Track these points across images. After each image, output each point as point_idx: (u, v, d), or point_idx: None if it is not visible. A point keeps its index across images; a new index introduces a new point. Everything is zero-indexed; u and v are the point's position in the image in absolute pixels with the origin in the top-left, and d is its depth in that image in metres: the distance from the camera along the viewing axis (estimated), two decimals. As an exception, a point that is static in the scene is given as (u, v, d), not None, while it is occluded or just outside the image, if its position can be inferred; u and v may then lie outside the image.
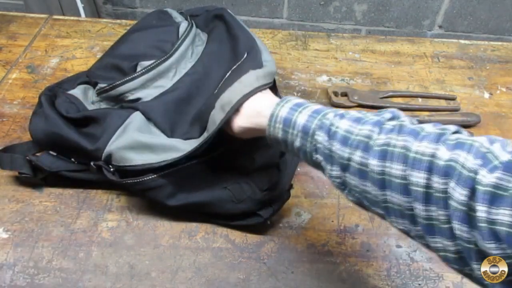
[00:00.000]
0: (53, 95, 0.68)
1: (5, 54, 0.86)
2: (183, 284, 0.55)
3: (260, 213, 0.59)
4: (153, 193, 0.57)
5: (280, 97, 0.51)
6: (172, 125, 0.63)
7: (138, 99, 0.65)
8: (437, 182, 0.34)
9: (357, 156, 0.40)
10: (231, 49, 0.67)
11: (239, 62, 0.60)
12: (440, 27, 1.55)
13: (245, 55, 0.61)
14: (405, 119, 0.42)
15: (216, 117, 0.53)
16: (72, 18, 0.96)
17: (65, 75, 0.80)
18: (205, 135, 0.55)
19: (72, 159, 0.63)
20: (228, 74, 0.59)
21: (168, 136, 0.62)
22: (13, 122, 0.73)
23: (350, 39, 0.94)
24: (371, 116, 0.43)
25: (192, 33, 0.72)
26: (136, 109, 0.62)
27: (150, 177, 0.56)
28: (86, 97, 0.67)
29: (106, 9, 1.54)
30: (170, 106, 0.64)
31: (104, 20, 0.97)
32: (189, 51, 0.71)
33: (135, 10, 1.58)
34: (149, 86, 0.66)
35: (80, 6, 1.43)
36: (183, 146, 0.58)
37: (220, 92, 0.55)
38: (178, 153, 0.56)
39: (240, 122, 0.50)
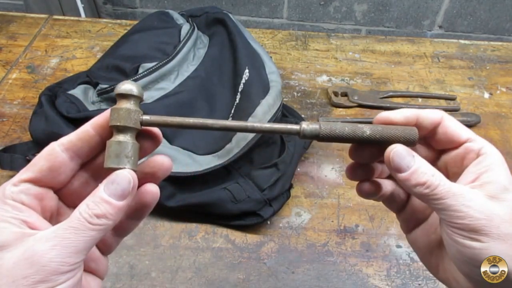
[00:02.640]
0: (53, 95, 0.68)
1: (5, 54, 0.86)
2: (183, 284, 0.55)
3: (260, 213, 0.59)
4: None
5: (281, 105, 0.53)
6: (173, 130, 0.63)
7: (139, 101, 0.65)
8: None
9: None
10: (232, 58, 0.68)
11: (243, 80, 0.61)
12: (440, 27, 1.55)
13: (247, 71, 0.62)
14: None
15: (232, 150, 0.57)
16: (72, 18, 0.96)
17: (65, 75, 0.80)
18: (215, 160, 0.58)
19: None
20: (238, 98, 0.61)
21: (168, 140, 0.62)
22: (13, 122, 0.73)
23: (350, 39, 0.94)
24: None
25: (194, 36, 0.72)
26: None
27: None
28: (86, 97, 0.67)
29: (106, 9, 1.54)
30: (172, 109, 0.64)
31: (104, 20, 0.97)
32: (191, 54, 0.71)
33: (135, 10, 1.58)
34: (151, 88, 0.66)
35: (80, 6, 1.43)
36: (184, 160, 0.59)
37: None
38: (178, 165, 0.58)
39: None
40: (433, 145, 0.35)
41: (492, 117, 0.79)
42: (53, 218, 0.31)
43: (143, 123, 0.30)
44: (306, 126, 0.31)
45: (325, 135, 0.31)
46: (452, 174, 0.34)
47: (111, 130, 0.30)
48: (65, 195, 0.32)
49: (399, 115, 0.33)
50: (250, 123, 0.31)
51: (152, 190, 0.32)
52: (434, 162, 0.35)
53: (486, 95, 0.83)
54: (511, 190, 0.30)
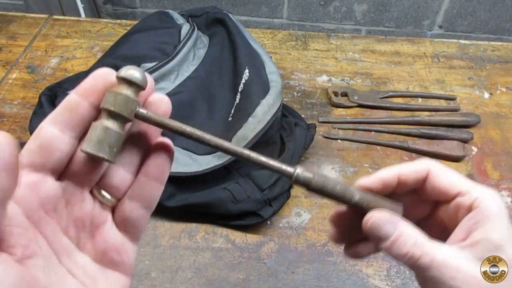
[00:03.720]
0: (53, 95, 0.68)
1: (5, 54, 0.86)
2: (183, 284, 0.55)
3: (260, 213, 0.59)
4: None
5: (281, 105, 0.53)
6: None
7: (139, 101, 0.65)
8: None
9: None
10: (232, 58, 0.68)
11: (243, 80, 0.62)
12: (440, 27, 1.55)
13: (247, 71, 0.62)
14: None
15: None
16: (72, 18, 0.96)
17: (65, 75, 0.80)
18: (215, 160, 0.58)
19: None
20: (238, 98, 0.61)
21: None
22: (13, 122, 0.73)
23: (350, 39, 0.94)
24: None
25: (194, 36, 0.73)
26: None
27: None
28: (86, 97, 0.67)
29: (106, 9, 1.54)
30: (172, 110, 0.64)
31: (104, 20, 0.97)
32: (191, 54, 0.71)
33: (135, 10, 1.58)
34: None
35: (80, 6, 1.43)
36: (184, 160, 0.59)
37: (234, 123, 0.59)
38: (178, 165, 0.58)
39: None
40: (425, 199, 0.32)
41: (492, 117, 0.79)
42: (58, 210, 0.26)
43: (137, 116, 0.27)
44: (300, 172, 0.29)
45: (315, 187, 0.30)
46: (449, 229, 0.31)
47: (99, 107, 0.27)
48: (75, 179, 0.27)
49: (376, 182, 0.31)
50: (247, 151, 0.29)
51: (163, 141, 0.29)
52: (430, 215, 0.33)
53: (486, 95, 0.83)
54: (507, 248, 0.27)
